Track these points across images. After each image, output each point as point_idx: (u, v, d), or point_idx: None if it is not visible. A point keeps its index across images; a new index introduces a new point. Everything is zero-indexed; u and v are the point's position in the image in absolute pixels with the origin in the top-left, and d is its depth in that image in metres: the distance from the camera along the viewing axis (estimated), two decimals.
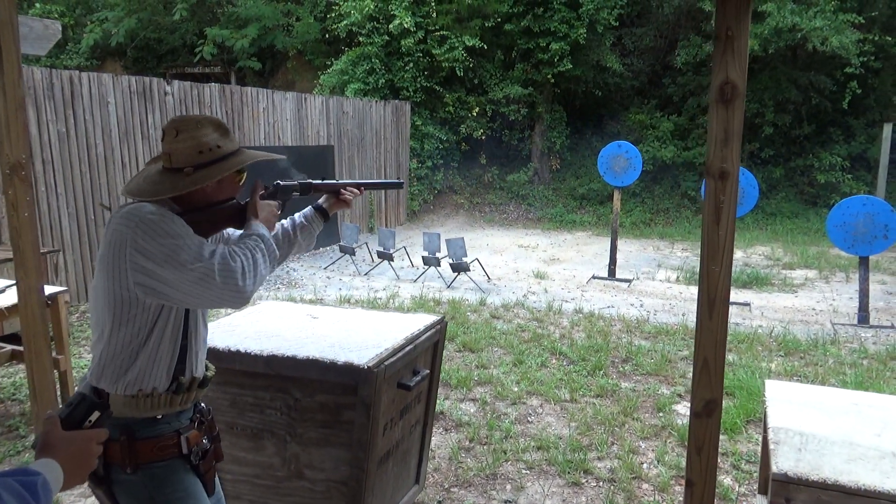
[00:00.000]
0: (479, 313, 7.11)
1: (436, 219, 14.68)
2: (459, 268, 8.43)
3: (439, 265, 8.81)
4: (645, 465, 3.68)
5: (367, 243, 10.57)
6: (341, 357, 2.54)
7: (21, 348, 4.23)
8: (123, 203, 2.07)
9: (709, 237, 2.23)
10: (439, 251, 8.83)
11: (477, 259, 9.07)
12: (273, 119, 10.12)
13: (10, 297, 3.99)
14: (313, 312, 3.20)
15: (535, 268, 9.82)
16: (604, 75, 15.94)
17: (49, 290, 4.09)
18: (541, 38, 14.65)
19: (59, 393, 4.22)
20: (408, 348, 2.73)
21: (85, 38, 16.58)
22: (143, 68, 17.39)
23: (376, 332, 2.86)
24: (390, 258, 9.20)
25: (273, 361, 2.59)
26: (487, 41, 14.62)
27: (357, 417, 2.54)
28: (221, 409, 2.83)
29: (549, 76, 14.97)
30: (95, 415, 1.40)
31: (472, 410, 4.46)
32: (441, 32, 14.17)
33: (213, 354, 2.68)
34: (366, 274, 9.33)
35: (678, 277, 9.25)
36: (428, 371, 2.94)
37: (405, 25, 13.61)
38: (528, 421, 4.30)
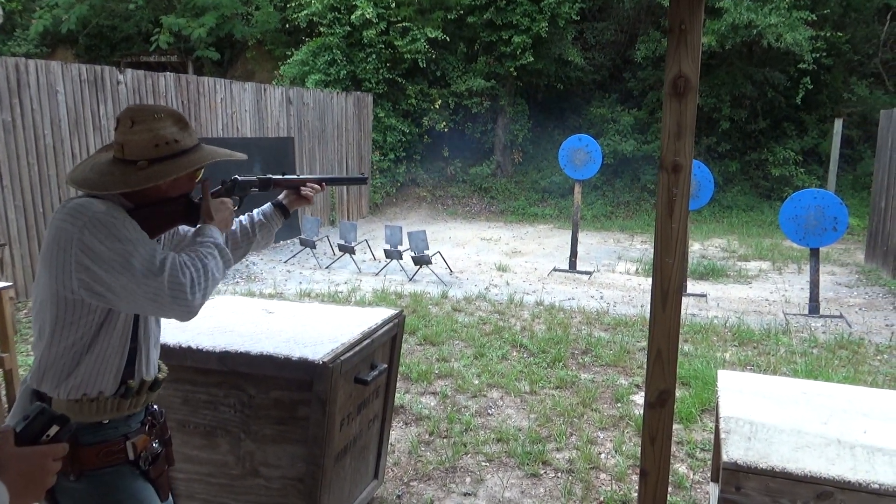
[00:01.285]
0: (441, 306, 7.11)
1: (398, 212, 14.62)
2: (421, 261, 8.41)
3: (401, 258, 8.77)
4: (603, 455, 3.72)
5: (328, 236, 10.46)
6: (296, 352, 2.50)
7: None
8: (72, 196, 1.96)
9: (662, 229, 2.25)
10: (401, 244, 8.78)
11: (439, 252, 9.06)
12: (231, 110, 9.92)
13: None
14: (269, 307, 3.14)
15: (497, 260, 9.85)
16: (565, 69, 16.04)
17: None
18: (503, 30, 14.66)
19: (3, 393, 4.08)
20: (365, 343, 2.70)
21: (34, 25, 15.99)
22: (96, 56, 16.86)
23: (333, 326, 2.82)
24: (352, 251, 9.13)
25: (226, 358, 2.54)
26: (450, 33, 14.57)
27: (312, 413, 2.50)
28: (173, 406, 2.76)
29: (512, 69, 15.00)
30: (54, 429, 1.29)
31: (432, 404, 4.45)
32: (403, 24, 14.08)
33: (164, 351, 2.60)
34: (327, 267, 9.24)
35: (637, 269, 9.39)
36: (386, 366, 2.91)
37: (367, 16, 13.48)
38: (489, 413, 4.31)
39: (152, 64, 16.67)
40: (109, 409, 1.70)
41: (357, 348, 2.63)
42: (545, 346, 5.65)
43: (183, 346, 2.61)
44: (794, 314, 7.06)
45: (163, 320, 1.87)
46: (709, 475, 3.49)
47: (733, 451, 2.02)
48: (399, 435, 3.94)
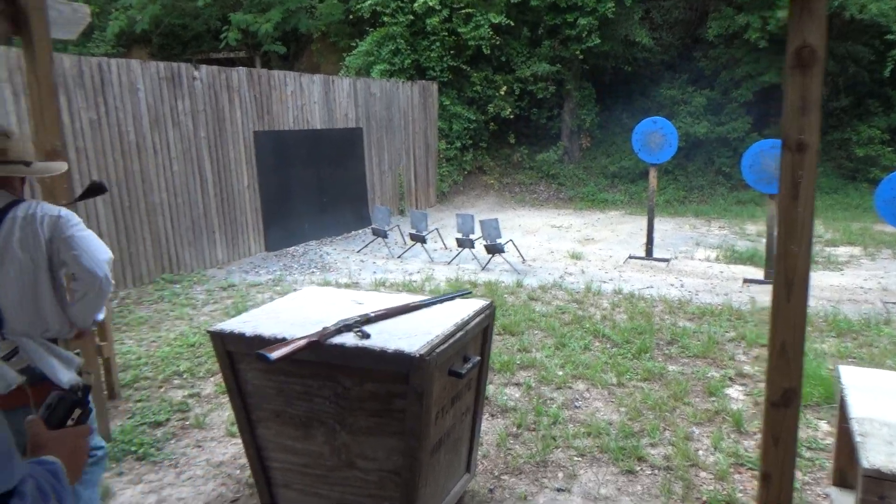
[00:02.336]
0: (517, 295, 6.99)
1: (466, 200, 14.54)
2: (494, 249, 8.30)
3: (473, 247, 8.69)
4: (701, 453, 3.55)
5: (398, 226, 10.48)
6: (391, 345, 2.44)
7: None
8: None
9: (786, 214, 2.08)
10: (473, 233, 8.70)
11: (511, 240, 8.93)
12: (301, 102, 10.03)
13: None
14: (358, 298, 3.11)
15: (569, 248, 9.65)
16: (633, 50, 15.56)
17: None
18: (568, 13, 14.32)
19: (103, 379, 4.21)
20: (458, 335, 2.63)
21: (110, 26, 16.62)
22: (169, 55, 17.41)
23: (425, 318, 2.76)
24: (423, 240, 9.10)
25: (320, 349, 2.51)
26: (513, 18, 14.34)
27: (409, 406, 2.45)
28: (268, 396, 2.77)
29: (578, 52, 14.65)
30: (77, 412, 1.35)
31: (516, 395, 4.36)
32: (466, 10, 13.92)
33: (260, 343, 2.61)
34: (399, 257, 9.25)
35: (718, 256, 9.01)
36: (479, 358, 2.84)
37: (430, 4, 13.39)
38: (576, 406, 4.18)
39: (222, 60, 17.08)
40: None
41: (451, 340, 2.56)
42: (628, 336, 5.46)
43: (277, 336, 2.60)
44: (895, 302, 6.61)
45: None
46: (819, 476, 3.28)
47: (874, 457, 1.84)
48: (486, 427, 3.87)
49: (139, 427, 3.94)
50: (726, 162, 14.78)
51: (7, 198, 2.44)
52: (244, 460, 3.55)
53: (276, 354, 2.35)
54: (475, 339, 2.87)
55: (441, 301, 2.97)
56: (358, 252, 9.64)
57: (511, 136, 15.90)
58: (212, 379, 4.77)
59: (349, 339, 2.52)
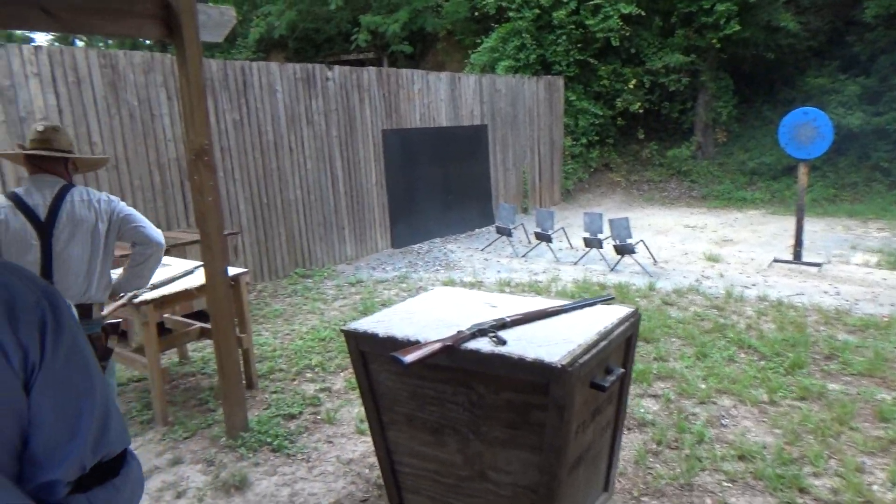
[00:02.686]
0: (650, 299, 6.61)
1: (591, 198, 14.09)
2: (624, 250, 7.92)
3: (601, 247, 8.35)
4: (876, 488, 3.11)
5: (522, 224, 10.31)
6: (530, 352, 2.29)
7: (209, 325, 4.43)
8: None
9: None
10: (601, 232, 8.36)
11: (642, 240, 8.50)
12: (428, 100, 10.10)
13: (199, 278, 4.17)
14: (491, 300, 2.98)
15: (705, 249, 9.04)
16: (776, 36, 14.37)
17: (232, 271, 4.23)
18: None
19: (242, 369, 4.37)
20: (601, 344, 2.43)
21: (251, 33, 17.66)
22: (303, 58, 18.23)
23: (565, 324, 2.58)
24: (549, 239, 8.87)
25: (455, 354, 2.40)
26: (644, 7, 13.69)
27: (549, 419, 2.29)
28: (400, 400, 2.71)
29: (714, 41, 13.75)
30: None
31: (654, 408, 4.07)
32: (595, 1, 13.46)
33: (393, 344, 2.55)
34: (523, 256, 9.07)
35: (879, 261, 8.09)
36: (622, 370, 2.62)
37: None
38: (722, 424, 3.83)
39: (352, 62, 17.65)
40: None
41: (594, 351, 2.37)
42: (779, 348, 4.97)
43: (411, 339, 2.52)
44: None
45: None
46: None
47: None
48: (623, 442, 3.62)
49: (274, 419, 4.05)
50: (884, 156, 13.31)
51: (59, 182, 2.88)
52: (373, 459, 3.54)
53: (410, 358, 2.26)
54: (618, 349, 2.66)
55: (581, 306, 2.78)
56: (482, 250, 9.57)
57: (640, 131, 15.24)
58: (342, 374, 4.85)
59: (484, 344, 2.40)
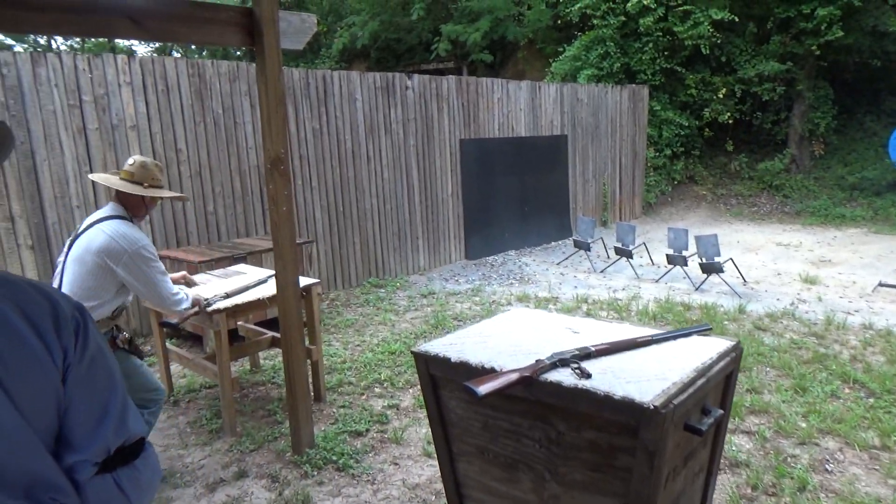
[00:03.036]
0: (740, 323, 6.17)
1: (674, 212, 13.51)
2: (711, 269, 7.46)
3: (686, 264, 7.91)
4: None
5: (602, 238, 9.95)
6: (618, 389, 2.06)
7: (280, 335, 4.39)
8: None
9: None
10: (686, 249, 7.93)
11: (731, 259, 8.00)
12: (507, 109, 9.91)
13: (272, 287, 4.13)
14: (573, 325, 2.76)
15: (801, 270, 8.43)
16: (883, 42, 13.38)
17: (304, 281, 4.17)
18: (804, 3, 12.69)
19: (310, 381, 4.30)
20: (699, 382, 2.17)
21: (335, 43, 18.01)
22: (384, 68, 18.43)
23: (656, 358, 2.33)
24: (629, 255, 8.49)
25: (534, 386, 2.20)
26: (737, 12, 13.04)
27: (636, 465, 2.05)
28: (472, 430, 2.53)
29: (814, 47, 12.94)
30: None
31: (747, 447, 3.72)
32: (684, 7, 12.92)
33: (466, 371, 2.38)
34: (602, 271, 8.73)
35: None
36: (721, 411, 2.34)
37: (644, 2, 12.62)
38: (826, 470, 3.45)
39: (431, 71, 17.69)
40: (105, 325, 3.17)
41: (690, 390, 2.11)
42: (890, 384, 4.49)
43: (485, 366, 2.34)
44: None
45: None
46: None
47: None
48: None
49: (341, 435, 3.95)
50: None
51: (113, 211, 3.21)
52: (440, 486, 3.37)
53: (484, 389, 2.08)
54: (716, 388, 2.38)
55: (675, 337, 2.52)
56: (558, 264, 9.28)
57: (728, 142, 14.53)
58: (410, 391, 4.71)
59: (566, 376, 2.18)
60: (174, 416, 4.31)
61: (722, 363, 2.34)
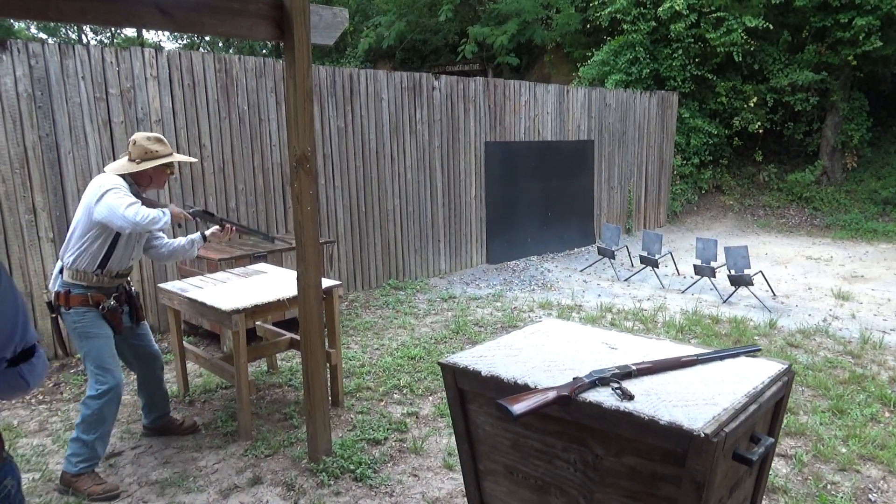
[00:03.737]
0: (770, 339, 5.96)
1: (700, 221, 13.25)
2: (741, 281, 7.25)
3: (714, 276, 7.70)
4: None
5: (626, 246, 9.75)
6: (663, 413, 1.91)
7: (298, 337, 4.29)
8: None
9: None
10: (714, 260, 7.72)
11: (761, 272, 7.77)
12: (534, 113, 9.76)
13: (292, 288, 4.03)
14: (609, 340, 2.61)
15: (833, 285, 8.18)
16: None
17: (325, 283, 4.06)
18: (841, 12, 12.38)
19: (328, 385, 4.19)
20: (751, 408, 2.01)
21: (361, 43, 17.95)
22: (409, 69, 18.34)
23: (701, 379, 2.18)
24: (655, 264, 8.29)
25: (571, 406, 2.06)
26: (772, 20, 12.76)
27: (682, 496, 1.90)
28: (501, 449, 2.39)
29: (850, 57, 12.62)
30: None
31: (784, 471, 3.54)
32: (717, 14, 12.67)
33: (496, 386, 2.24)
34: (626, 280, 8.54)
35: None
36: (772, 440, 2.18)
37: (676, 8, 12.39)
38: (869, 500, 3.26)
39: (456, 72, 17.57)
40: (87, 280, 3.37)
41: (742, 417, 1.95)
42: None
43: (518, 382, 2.20)
44: None
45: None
46: None
47: None
48: None
49: (359, 443, 3.83)
50: None
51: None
52: (460, 500, 3.24)
53: (519, 408, 1.94)
54: (766, 415, 2.23)
55: (721, 357, 2.36)
56: (581, 271, 9.10)
57: (758, 152, 14.24)
58: (430, 398, 4.58)
59: (606, 397, 2.03)
60: (189, 418, 4.22)
61: (774, 388, 2.18)
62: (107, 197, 3.22)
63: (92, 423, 3.31)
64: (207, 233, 3.81)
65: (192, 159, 3.83)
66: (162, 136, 3.50)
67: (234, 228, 3.83)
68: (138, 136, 3.43)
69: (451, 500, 3.26)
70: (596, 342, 2.60)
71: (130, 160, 3.41)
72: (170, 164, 3.51)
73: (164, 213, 3.36)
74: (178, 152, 6.16)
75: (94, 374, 3.35)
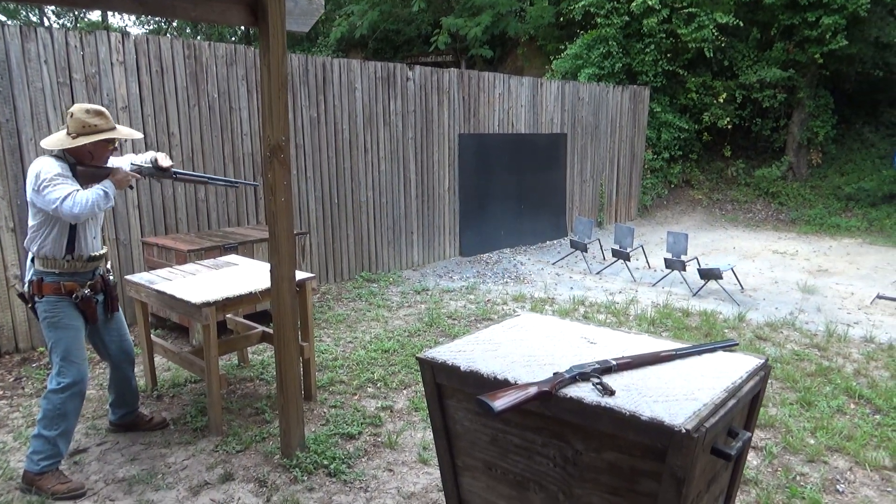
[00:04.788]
0: (739, 332, 6.05)
1: (669, 215, 13.41)
2: (710, 275, 7.35)
3: (684, 269, 7.79)
4: None
5: (598, 239, 9.82)
6: (643, 409, 1.91)
7: (270, 330, 4.21)
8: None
9: None
10: (685, 253, 7.81)
11: (732, 268, 7.88)
12: (508, 105, 9.74)
13: (265, 280, 3.95)
14: (588, 335, 2.60)
15: (798, 279, 8.34)
16: (885, 54, 13.34)
17: (299, 276, 3.98)
18: (809, 11, 12.59)
19: (301, 380, 4.13)
20: (730, 403, 2.02)
21: (333, 32, 17.73)
22: (382, 59, 18.17)
23: (681, 374, 2.18)
24: (626, 257, 8.36)
25: (552, 401, 2.04)
26: (742, 17, 12.93)
27: (662, 492, 1.90)
28: (479, 444, 2.37)
29: (817, 56, 12.85)
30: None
31: (755, 462, 3.59)
32: (689, 9, 12.79)
33: (476, 381, 2.22)
34: (598, 273, 8.59)
35: None
36: (749, 434, 2.20)
37: (649, 3, 12.47)
38: (838, 490, 3.32)
39: (429, 63, 17.47)
40: (59, 266, 3.25)
41: (721, 412, 1.96)
42: None
43: (498, 377, 2.18)
44: None
45: None
46: None
47: None
48: None
49: (332, 437, 3.78)
50: None
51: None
52: (436, 495, 3.21)
53: (500, 404, 1.92)
54: (743, 409, 2.24)
55: (699, 352, 2.37)
56: (553, 264, 9.13)
57: (727, 148, 14.45)
58: (404, 392, 4.55)
59: (587, 392, 2.02)
60: (158, 413, 4.12)
61: (751, 383, 2.19)
62: (43, 191, 3.05)
63: (53, 419, 3.19)
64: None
65: (138, 134, 3.51)
66: (103, 109, 3.28)
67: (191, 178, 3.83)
68: (76, 108, 3.21)
69: (426, 495, 3.24)
70: (575, 336, 2.59)
71: (67, 134, 3.21)
72: (111, 140, 3.30)
73: (105, 190, 3.18)
74: (146, 141, 6.00)
75: (59, 367, 3.23)
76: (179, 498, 3.19)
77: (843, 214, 13.04)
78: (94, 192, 3.14)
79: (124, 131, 3.37)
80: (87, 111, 3.22)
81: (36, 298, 3.24)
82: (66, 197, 3.03)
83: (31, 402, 4.38)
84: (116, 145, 3.47)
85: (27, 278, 3.29)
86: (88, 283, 3.34)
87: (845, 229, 12.30)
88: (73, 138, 3.18)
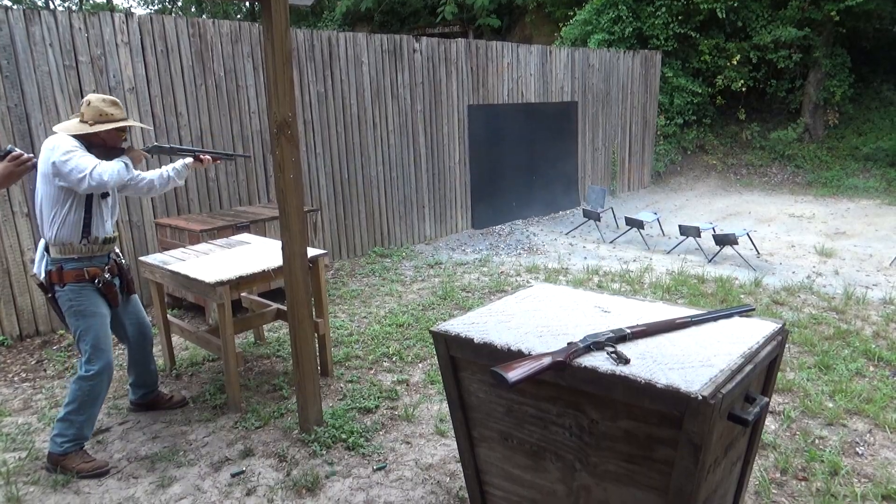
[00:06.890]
0: (756, 297, 6.00)
1: (683, 182, 13.26)
2: (725, 241, 7.28)
3: (699, 235, 7.72)
4: None
5: (612, 208, 9.74)
6: (659, 376, 1.89)
7: (285, 307, 4.23)
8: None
9: None
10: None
11: (748, 233, 7.79)
12: (517, 75, 9.61)
13: (277, 258, 3.96)
14: (602, 303, 2.58)
15: (816, 242, 8.24)
16: None
17: (311, 252, 3.98)
18: None
19: (317, 356, 4.16)
20: (747, 369, 2.00)
21: (338, 6, 17.53)
22: (388, 31, 17.97)
23: (697, 340, 2.16)
24: (640, 225, 8.29)
25: (566, 371, 2.03)
26: None
27: (679, 459, 1.89)
28: (494, 415, 2.37)
29: (833, 13, 12.53)
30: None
31: (773, 427, 3.57)
32: None
33: (490, 353, 2.21)
34: (611, 242, 8.54)
35: None
36: (767, 399, 2.18)
37: None
38: (857, 453, 3.31)
39: (436, 35, 17.23)
40: (76, 251, 3.26)
41: (738, 377, 1.94)
42: None
43: (511, 348, 2.17)
44: None
45: None
46: None
47: None
48: None
49: (350, 412, 3.81)
50: None
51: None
52: (453, 466, 3.24)
53: (514, 375, 1.91)
54: (760, 374, 2.22)
55: (715, 318, 2.35)
56: (566, 234, 9.08)
57: (741, 111, 14.20)
58: (420, 365, 4.57)
59: (601, 361, 2.01)
60: (177, 392, 4.17)
61: (768, 348, 2.17)
62: (67, 160, 3.08)
63: (82, 405, 3.24)
64: (187, 161, 3.79)
65: (147, 126, 3.80)
66: (117, 100, 3.37)
67: (210, 158, 3.86)
68: (93, 97, 3.30)
69: (444, 466, 3.26)
70: (588, 306, 2.57)
71: (83, 121, 3.26)
72: (123, 129, 3.39)
73: (125, 162, 3.27)
74: (153, 121, 6.00)
75: (88, 355, 3.25)
76: (201, 474, 3.24)
77: (861, 175, 12.82)
78: (116, 161, 3.23)
79: (135, 122, 3.49)
80: (104, 100, 3.30)
81: (57, 287, 3.23)
82: (95, 165, 3.10)
83: (52, 384, 4.45)
84: (126, 135, 3.51)
85: (44, 269, 3.29)
86: (106, 266, 3.36)
87: (863, 190, 12.10)
88: (91, 125, 3.24)
